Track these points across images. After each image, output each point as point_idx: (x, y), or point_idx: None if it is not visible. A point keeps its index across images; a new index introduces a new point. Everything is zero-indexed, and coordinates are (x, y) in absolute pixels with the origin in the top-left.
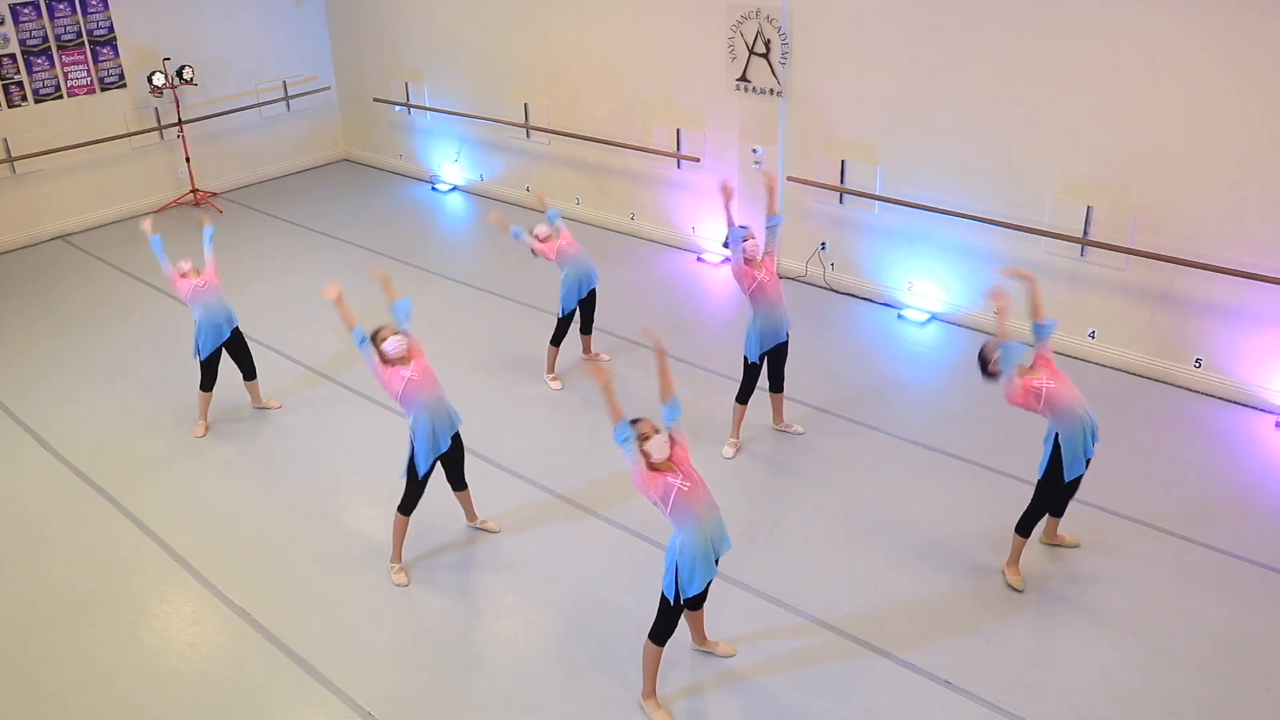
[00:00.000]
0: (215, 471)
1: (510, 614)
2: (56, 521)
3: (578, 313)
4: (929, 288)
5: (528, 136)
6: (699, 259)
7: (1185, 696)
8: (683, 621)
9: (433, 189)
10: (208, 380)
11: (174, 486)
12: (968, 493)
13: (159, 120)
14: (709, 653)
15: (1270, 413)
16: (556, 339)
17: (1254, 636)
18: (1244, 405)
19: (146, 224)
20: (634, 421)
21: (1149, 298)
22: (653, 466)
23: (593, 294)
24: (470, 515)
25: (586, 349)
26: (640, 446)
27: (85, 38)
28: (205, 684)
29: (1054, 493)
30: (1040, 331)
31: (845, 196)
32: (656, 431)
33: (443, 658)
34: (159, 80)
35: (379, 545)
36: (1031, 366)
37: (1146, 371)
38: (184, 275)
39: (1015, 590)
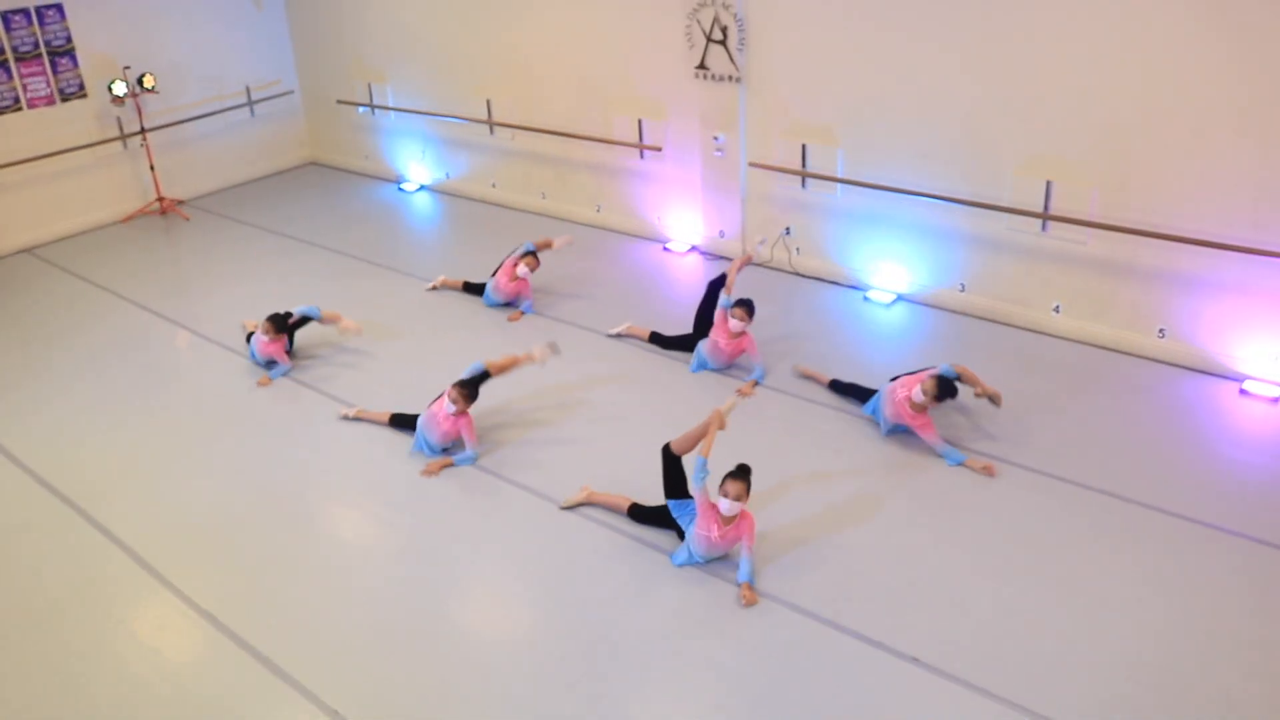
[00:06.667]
0: (179, 477)
1: (478, 608)
2: (21, 531)
3: None
4: (894, 269)
5: (491, 133)
6: (665, 249)
7: (1148, 663)
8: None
9: (399, 189)
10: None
11: (139, 493)
12: (935, 472)
13: (122, 129)
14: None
15: (1234, 380)
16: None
17: (1221, 603)
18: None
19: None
20: (739, 473)
21: (1111, 270)
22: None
23: None
24: None
25: None
26: (719, 492)
27: (43, 48)
28: (171, 688)
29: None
30: None
31: (808, 180)
32: (738, 499)
33: (410, 654)
34: (120, 89)
35: (344, 543)
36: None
37: (1111, 344)
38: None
39: None
